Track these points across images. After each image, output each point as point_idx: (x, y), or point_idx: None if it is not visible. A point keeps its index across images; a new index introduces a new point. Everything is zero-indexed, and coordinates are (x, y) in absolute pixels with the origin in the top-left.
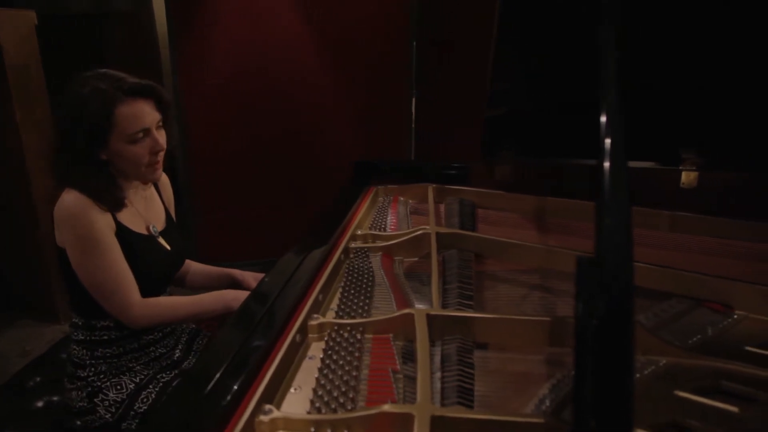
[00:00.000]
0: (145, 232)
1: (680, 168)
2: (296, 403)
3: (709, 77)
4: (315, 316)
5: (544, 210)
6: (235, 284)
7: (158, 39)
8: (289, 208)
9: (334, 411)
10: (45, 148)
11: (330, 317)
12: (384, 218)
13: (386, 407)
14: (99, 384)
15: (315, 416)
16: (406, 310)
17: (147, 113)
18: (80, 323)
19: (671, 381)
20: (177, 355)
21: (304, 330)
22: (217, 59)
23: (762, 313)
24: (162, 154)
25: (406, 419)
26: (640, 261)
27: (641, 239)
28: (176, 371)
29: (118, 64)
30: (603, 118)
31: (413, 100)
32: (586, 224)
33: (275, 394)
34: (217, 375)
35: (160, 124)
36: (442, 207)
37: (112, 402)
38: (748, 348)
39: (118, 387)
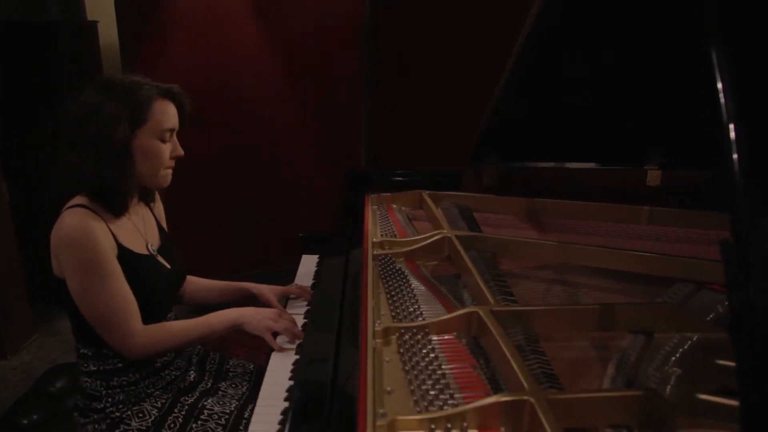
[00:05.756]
0: (145, 251)
1: (645, 168)
2: (397, 405)
3: (668, 89)
4: (378, 322)
5: (536, 211)
6: (247, 297)
7: (104, 50)
8: (250, 222)
9: (441, 408)
10: None
11: (389, 322)
12: (389, 226)
13: (494, 398)
14: (119, 414)
15: (430, 414)
16: (468, 309)
17: (174, 116)
18: (90, 353)
19: (710, 352)
20: (193, 376)
21: (373, 336)
22: (171, 71)
23: None
24: (174, 162)
25: (518, 406)
26: (643, 251)
27: (626, 232)
28: (198, 393)
29: (62, 75)
30: (729, 125)
31: (366, 108)
32: (578, 222)
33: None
34: (331, 392)
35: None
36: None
37: (136, 431)
38: None
39: (141, 415)
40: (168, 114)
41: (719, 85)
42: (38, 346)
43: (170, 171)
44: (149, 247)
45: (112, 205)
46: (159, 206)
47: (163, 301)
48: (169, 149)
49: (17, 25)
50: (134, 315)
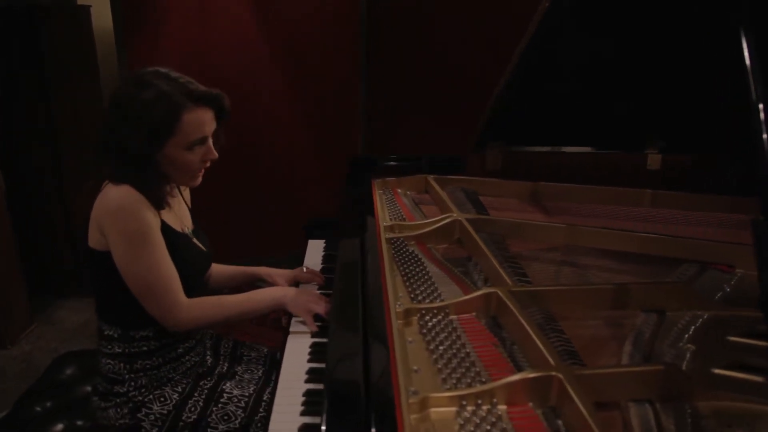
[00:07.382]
0: (181, 231)
1: (646, 152)
2: (425, 383)
3: (669, 76)
4: (398, 303)
5: (540, 194)
6: (261, 284)
7: (98, 35)
8: (253, 211)
9: (470, 385)
10: None
11: (408, 303)
12: (396, 209)
13: (522, 374)
14: (141, 398)
15: (461, 391)
16: (488, 290)
17: (208, 122)
18: (116, 335)
19: (721, 329)
20: (209, 361)
21: (395, 318)
22: (167, 56)
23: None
24: (205, 164)
25: (546, 382)
26: (648, 232)
27: (630, 215)
28: (216, 377)
29: (55, 61)
30: (759, 105)
31: (363, 98)
32: (581, 205)
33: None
34: (364, 372)
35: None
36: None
37: (158, 415)
38: None
39: (162, 399)
40: (199, 124)
41: (747, 63)
42: (37, 336)
43: (199, 174)
44: (185, 229)
45: (152, 202)
46: (188, 193)
47: (196, 282)
48: (199, 156)
49: (6, 10)
50: (179, 286)
